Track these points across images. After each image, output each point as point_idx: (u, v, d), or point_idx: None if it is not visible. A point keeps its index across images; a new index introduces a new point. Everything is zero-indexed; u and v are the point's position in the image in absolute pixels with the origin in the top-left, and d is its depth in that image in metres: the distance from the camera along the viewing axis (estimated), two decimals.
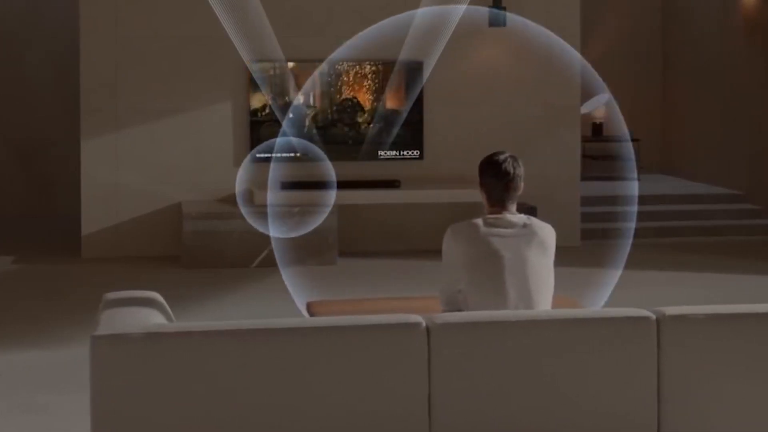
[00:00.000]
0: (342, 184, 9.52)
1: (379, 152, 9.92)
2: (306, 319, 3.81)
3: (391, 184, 9.65)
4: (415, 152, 9.96)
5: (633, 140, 13.45)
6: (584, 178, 12.79)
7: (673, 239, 10.95)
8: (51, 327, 7.26)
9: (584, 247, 10.32)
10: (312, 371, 3.68)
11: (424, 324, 3.74)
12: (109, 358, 3.60)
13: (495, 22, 9.80)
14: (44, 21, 11.81)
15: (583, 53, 12.21)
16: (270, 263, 9.18)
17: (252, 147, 9.75)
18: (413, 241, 9.88)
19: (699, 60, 13.14)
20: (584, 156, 13.26)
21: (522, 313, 3.95)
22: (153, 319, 3.89)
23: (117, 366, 3.61)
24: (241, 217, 9.23)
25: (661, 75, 14.16)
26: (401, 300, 5.54)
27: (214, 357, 3.65)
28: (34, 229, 11.25)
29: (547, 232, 4.40)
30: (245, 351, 3.66)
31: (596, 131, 13.86)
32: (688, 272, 9.35)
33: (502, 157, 4.38)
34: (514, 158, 4.40)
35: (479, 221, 4.36)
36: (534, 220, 4.41)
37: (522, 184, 4.40)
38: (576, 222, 10.35)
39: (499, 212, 4.37)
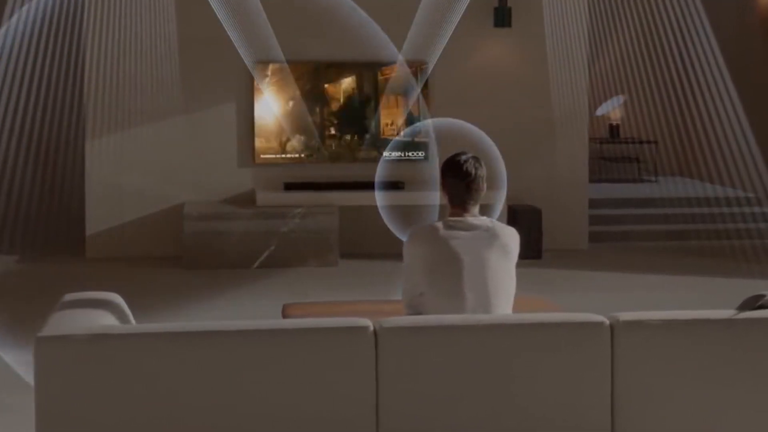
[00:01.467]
0: (344, 186, 9.52)
1: (384, 154, 9.88)
2: (252, 322, 3.76)
3: (394, 185, 9.61)
4: (420, 153, 9.91)
5: (649, 142, 13.37)
6: (600, 180, 12.73)
7: (685, 242, 10.80)
8: (36, 327, 7.25)
9: (592, 250, 10.21)
10: (258, 374, 3.65)
11: (371, 328, 3.70)
12: (53, 359, 3.59)
13: (500, 23, 9.74)
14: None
15: (601, 54, 12.14)
16: (271, 264, 9.19)
17: (254, 148, 9.74)
18: None
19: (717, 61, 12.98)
20: (601, 158, 13.20)
21: (472, 317, 3.89)
22: (102, 321, 3.86)
23: (61, 367, 3.60)
24: (242, 218, 9.23)
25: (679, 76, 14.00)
26: (377, 303, 5.49)
27: (158, 359, 3.63)
28: (44, 227, 11.29)
29: (509, 236, 4.35)
30: (190, 353, 3.63)
31: (613, 133, 13.73)
32: (693, 276, 9.19)
33: (463, 157, 4.33)
34: (476, 159, 4.35)
35: (440, 224, 4.32)
36: (496, 224, 4.35)
37: (484, 185, 4.34)
38: (584, 225, 10.24)
39: (461, 214, 4.32)
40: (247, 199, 9.65)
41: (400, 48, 9.53)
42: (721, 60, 12.37)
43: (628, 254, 10.12)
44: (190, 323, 3.74)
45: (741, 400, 3.76)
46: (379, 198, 9.13)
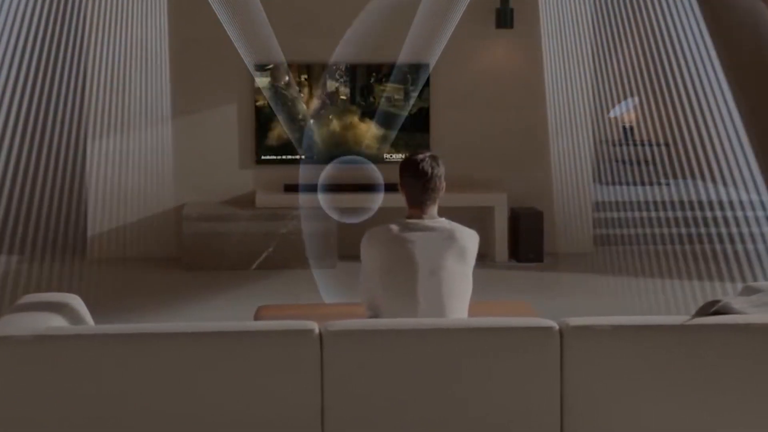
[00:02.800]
0: (343, 188, 9.48)
1: (385, 155, 9.84)
2: (197, 324, 3.74)
3: (393, 187, 9.55)
4: None
5: (663, 145, 13.23)
6: (613, 182, 12.62)
7: (695, 246, 10.66)
8: None
9: (597, 253, 10.11)
10: (203, 376, 3.63)
11: (317, 331, 3.67)
12: None
13: (503, 24, 9.68)
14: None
15: (615, 56, 12.04)
16: (270, 265, 9.18)
17: (257, 149, 9.73)
18: None
19: (734, 62, 12.85)
20: (615, 160, 13.08)
21: (419, 321, 3.85)
22: (51, 322, 3.85)
23: (6, 368, 3.59)
24: (241, 219, 9.23)
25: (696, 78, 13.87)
26: (354, 306, 5.45)
27: (104, 360, 3.62)
28: (46, 228, 11.34)
29: (467, 238, 4.31)
30: (135, 355, 3.62)
31: (627, 135, 13.61)
32: (699, 281, 9.07)
33: (420, 156, 4.31)
34: (434, 158, 4.32)
35: (396, 226, 4.28)
36: (455, 225, 4.31)
37: (442, 185, 4.31)
38: (588, 228, 10.15)
39: (419, 214, 4.29)
40: (248, 201, 9.65)
41: (400, 49, 9.50)
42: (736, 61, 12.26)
43: (633, 258, 10.01)
44: (135, 325, 3.72)
45: (691, 406, 3.70)
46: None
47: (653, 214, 11.07)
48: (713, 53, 10.70)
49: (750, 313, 3.85)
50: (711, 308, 3.79)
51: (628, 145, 13.41)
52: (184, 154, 9.74)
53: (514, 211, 9.72)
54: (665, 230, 10.74)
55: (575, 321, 3.74)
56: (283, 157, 9.72)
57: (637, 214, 10.88)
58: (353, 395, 3.66)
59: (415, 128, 9.81)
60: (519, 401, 3.70)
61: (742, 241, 10.75)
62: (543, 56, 9.73)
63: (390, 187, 9.61)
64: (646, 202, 11.30)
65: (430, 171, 4.27)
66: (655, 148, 13.28)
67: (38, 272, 9.38)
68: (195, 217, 9.21)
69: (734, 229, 10.99)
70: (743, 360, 3.70)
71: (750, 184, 11.76)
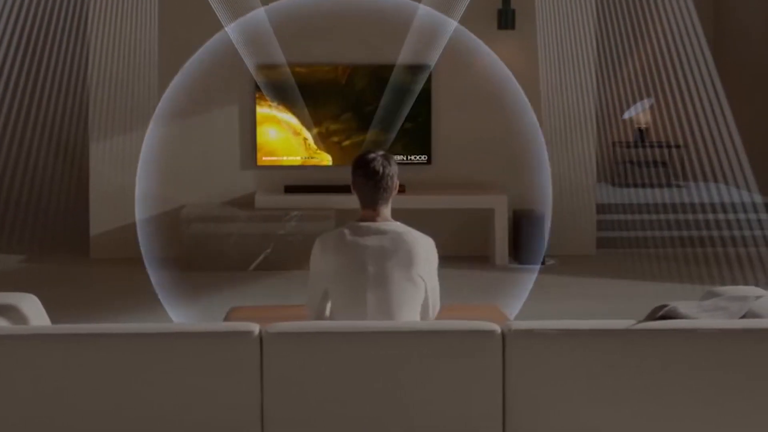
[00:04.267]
0: (342, 188, 9.45)
1: None
2: (138, 325, 3.74)
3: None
4: (422, 157, 9.83)
5: (678, 147, 13.10)
6: (627, 185, 12.52)
7: (703, 249, 10.54)
8: None
9: (600, 256, 10.03)
10: (142, 378, 3.63)
11: (257, 332, 3.65)
12: None
13: (504, 25, 9.63)
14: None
15: (630, 58, 11.95)
16: (268, 267, 9.19)
17: (258, 150, 9.74)
18: None
19: (750, 65, 12.73)
20: (630, 162, 12.97)
21: (361, 324, 3.82)
22: None
23: None
24: (239, 220, 9.24)
25: (711, 80, 13.73)
26: None
27: (41, 361, 3.62)
28: (51, 227, 11.41)
29: (419, 244, 4.20)
30: (72, 355, 3.63)
31: (641, 137, 13.49)
32: (703, 285, 8.96)
33: (371, 155, 4.20)
34: (386, 157, 4.21)
35: (347, 230, 4.19)
36: (407, 230, 4.23)
37: (394, 184, 4.21)
38: (591, 230, 10.07)
39: (372, 216, 4.21)
40: (249, 202, 9.66)
41: (400, 50, 9.48)
42: (751, 62, 12.13)
43: (638, 261, 9.92)
44: (72, 326, 3.72)
45: (633, 411, 3.65)
46: None
47: (662, 216, 10.97)
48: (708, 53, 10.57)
49: (700, 317, 3.79)
50: (657, 313, 3.74)
51: (644, 146, 13.29)
52: (186, 155, 9.77)
53: (516, 213, 9.66)
54: (674, 233, 10.64)
55: (518, 324, 3.71)
56: (284, 158, 9.72)
57: (646, 216, 10.79)
58: (293, 397, 3.65)
59: (416, 129, 9.80)
60: (461, 404, 3.66)
61: (756, 245, 10.63)
62: (539, 56, 9.66)
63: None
64: (655, 205, 11.21)
65: (381, 170, 4.15)
66: (672, 150, 13.16)
67: (42, 271, 9.46)
68: (193, 218, 9.24)
69: (747, 233, 10.87)
70: (687, 365, 3.65)
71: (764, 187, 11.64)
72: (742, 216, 11.21)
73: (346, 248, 4.14)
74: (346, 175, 9.52)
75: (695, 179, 12.63)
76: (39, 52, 11.44)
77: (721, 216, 11.28)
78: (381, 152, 4.24)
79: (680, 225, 10.84)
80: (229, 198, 9.80)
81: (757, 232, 10.91)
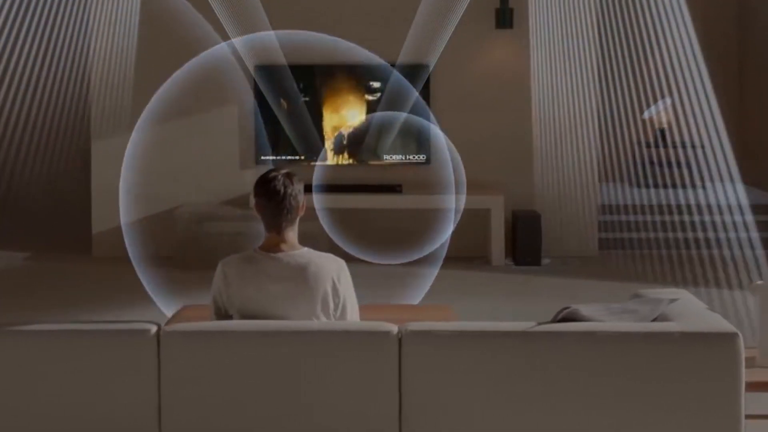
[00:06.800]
0: (341, 188, 9.48)
1: (384, 156, 9.81)
2: (39, 323, 3.78)
3: (392, 188, 9.54)
4: (421, 156, 9.81)
5: (699, 147, 12.91)
6: (645, 185, 12.36)
7: (711, 252, 10.37)
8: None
9: (601, 257, 9.92)
10: (40, 375, 3.68)
11: (153, 331, 3.68)
12: None
13: (502, 24, 9.58)
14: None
15: (649, 56, 11.81)
16: None
17: (257, 150, 9.79)
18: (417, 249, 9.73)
19: None
20: (651, 163, 12.82)
21: (259, 323, 3.81)
22: None
23: None
24: (233, 219, 9.28)
25: (737, 79, 13.54)
26: None
27: None
28: (55, 226, 11.55)
29: (322, 268, 3.95)
30: None
31: (661, 137, 13.33)
32: (705, 288, 8.81)
33: (272, 174, 3.96)
34: (288, 175, 3.96)
35: (250, 259, 3.96)
36: (310, 261, 3.96)
37: (299, 204, 3.96)
38: (593, 231, 9.98)
39: (277, 243, 3.96)
40: (248, 201, 9.70)
41: (399, 50, 9.46)
42: None
43: (640, 263, 9.78)
44: None
45: (531, 413, 3.62)
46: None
47: (676, 217, 10.83)
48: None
49: (605, 320, 3.74)
50: (558, 315, 3.70)
51: (669, 147, 13.08)
52: (187, 155, 9.84)
53: (515, 214, 9.61)
54: (680, 235, 10.50)
55: (414, 326, 3.69)
56: (284, 157, 9.76)
57: (649, 218, 10.65)
58: (191, 396, 3.67)
59: (415, 129, 9.78)
60: (358, 404, 3.66)
61: (765, 247, 10.45)
62: (532, 55, 9.60)
63: (388, 189, 9.61)
64: (668, 206, 11.06)
65: (282, 190, 3.91)
66: (691, 150, 12.98)
67: (46, 269, 9.60)
68: (187, 217, 9.31)
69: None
70: (586, 367, 3.61)
71: None
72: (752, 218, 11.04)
73: (249, 277, 3.93)
74: (344, 175, 9.62)
75: (711, 180, 12.46)
76: (41, 51, 11.58)
77: (738, 218, 11.10)
78: (284, 171, 4.00)
79: (688, 227, 10.69)
80: (228, 197, 9.85)
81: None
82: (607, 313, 3.79)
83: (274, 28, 9.36)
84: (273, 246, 3.98)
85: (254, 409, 3.66)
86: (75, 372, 3.66)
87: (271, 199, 3.93)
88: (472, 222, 9.72)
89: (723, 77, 13.51)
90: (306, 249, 4.00)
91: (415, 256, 8.91)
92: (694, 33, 10.37)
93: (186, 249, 9.27)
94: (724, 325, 3.69)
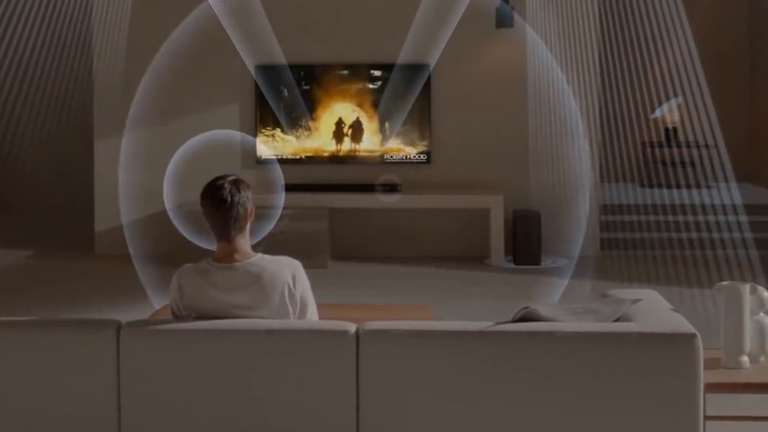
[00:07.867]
0: (340, 188, 9.50)
1: (385, 156, 9.81)
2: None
3: (391, 188, 9.54)
4: (422, 156, 9.81)
5: (708, 147, 12.83)
6: (651, 185, 12.31)
7: (716, 252, 10.30)
8: None
9: (603, 257, 9.88)
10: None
11: (114, 327, 3.70)
12: None
13: (502, 23, 9.56)
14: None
15: (654, 57, 11.77)
16: None
17: (258, 149, 9.81)
18: (418, 248, 9.73)
19: None
20: (662, 162, 12.75)
21: (216, 323, 3.81)
22: None
23: None
24: None
25: (748, 78, 13.46)
26: None
27: None
28: (60, 224, 11.61)
29: (275, 275, 3.85)
30: None
31: (670, 137, 13.26)
32: (707, 289, 8.73)
33: (220, 182, 3.83)
34: (236, 182, 3.83)
35: (203, 271, 3.90)
36: (263, 269, 3.85)
37: (247, 212, 3.84)
38: (594, 231, 9.94)
39: (229, 252, 3.86)
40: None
41: (399, 50, 9.47)
42: None
43: (643, 263, 9.71)
44: None
45: (487, 413, 3.62)
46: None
47: (680, 218, 10.76)
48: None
49: (565, 320, 3.74)
50: (516, 315, 3.70)
51: (677, 146, 13.01)
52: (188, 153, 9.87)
53: (515, 214, 9.59)
54: (683, 235, 10.44)
55: (372, 325, 3.69)
56: (283, 157, 9.79)
57: (653, 218, 10.60)
58: (149, 393, 3.69)
59: (416, 129, 9.78)
60: (315, 403, 3.67)
61: None
62: (545, 56, 9.57)
63: (390, 188, 9.61)
64: (672, 206, 11.00)
65: (229, 198, 3.78)
66: (701, 150, 12.90)
67: (49, 266, 9.67)
68: (183, 215, 9.34)
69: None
70: (542, 367, 3.60)
71: None
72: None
73: (205, 291, 3.86)
74: (342, 174, 9.62)
75: (739, 180, 12.37)
76: (45, 50, 11.65)
77: (743, 218, 11.03)
78: (231, 177, 3.88)
79: (697, 227, 10.63)
80: None
81: None
82: (567, 313, 3.78)
83: (274, 28, 9.39)
84: (226, 256, 3.88)
85: (212, 408, 3.68)
86: (34, 368, 3.69)
87: (218, 208, 3.81)
88: (472, 222, 9.72)
89: (733, 77, 13.46)
90: (259, 256, 3.90)
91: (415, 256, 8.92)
92: (703, 32, 10.29)
93: (183, 247, 9.30)
94: (683, 325, 3.67)
